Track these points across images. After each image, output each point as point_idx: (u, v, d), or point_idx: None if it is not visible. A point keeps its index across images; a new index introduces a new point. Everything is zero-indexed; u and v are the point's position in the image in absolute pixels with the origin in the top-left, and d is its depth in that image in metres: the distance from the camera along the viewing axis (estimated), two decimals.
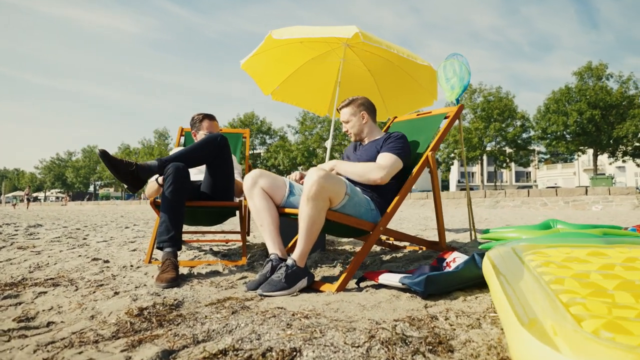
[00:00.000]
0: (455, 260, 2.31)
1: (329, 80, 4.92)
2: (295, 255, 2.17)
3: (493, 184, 54.61)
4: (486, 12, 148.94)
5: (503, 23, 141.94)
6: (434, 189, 2.78)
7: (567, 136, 36.74)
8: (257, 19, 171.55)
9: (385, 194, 2.57)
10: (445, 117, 2.96)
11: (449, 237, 4.40)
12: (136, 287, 2.14)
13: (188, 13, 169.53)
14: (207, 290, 2.13)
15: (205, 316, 1.66)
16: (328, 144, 4.14)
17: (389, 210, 2.44)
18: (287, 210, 2.45)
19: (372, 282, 2.25)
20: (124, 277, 2.40)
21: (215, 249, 3.67)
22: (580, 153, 37.94)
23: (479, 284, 2.07)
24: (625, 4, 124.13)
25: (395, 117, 3.39)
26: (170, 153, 3.09)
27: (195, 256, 3.20)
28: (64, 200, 59.98)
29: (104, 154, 2.39)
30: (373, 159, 2.63)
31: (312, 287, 2.20)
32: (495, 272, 1.71)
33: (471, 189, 55.72)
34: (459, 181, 67.07)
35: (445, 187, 67.32)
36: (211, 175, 2.84)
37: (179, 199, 2.51)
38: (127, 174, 2.46)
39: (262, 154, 53.71)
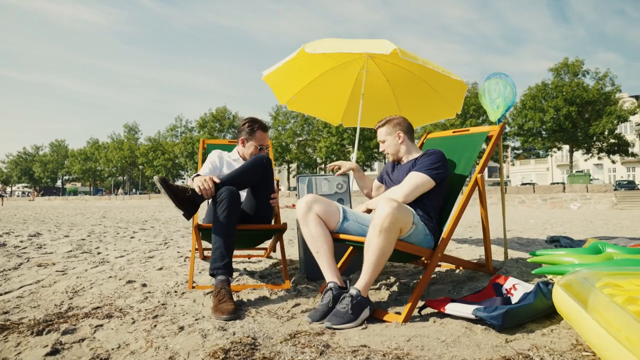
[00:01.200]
0: (515, 287, 2.31)
1: (344, 90, 4.89)
2: (360, 285, 2.15)
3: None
4: (458, 5, 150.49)
5: (475, 16, 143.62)
6: (482, 210, 2.78)
7: (544, 132, 37.48)
8: (228, 12, 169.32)
9: (435, 216, 2.56)
10: (488, 137, 2.96)
11: (471, 251, 4.42)
12: (196, 320, 2.08)
13: (157, 5, 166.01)
14: (269, 322, 2.08)
15: (292, 357, 1.62)
16: (353, 157, 4.10)
17: (444, 235, 2.43)
18: (341, 236, 2.41)
19: (431, 309, 2.24)
20: (174, 305, 2.33)
21: (242, 266, 3.61)
22: (555, 149, 38.72)
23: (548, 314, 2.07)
24: None
25: (428, 133, 3.37)
26: (202, 169, 3.01)
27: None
28: (31, 196, 58.50)
29: (163, 181, 2.32)
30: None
31: (374, 316, 2.17)
32: (583, 307, 1.71)
33: None
34: None
35: None
36: (254, 196, 2.78)
37: (233, 224, 2.45)
38: (184, 200, 2.39)
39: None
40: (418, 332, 1.93)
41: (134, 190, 62.68)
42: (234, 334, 1.89)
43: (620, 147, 37.15)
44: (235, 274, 3.21)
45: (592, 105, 35.83)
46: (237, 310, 2.15)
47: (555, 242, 4.88)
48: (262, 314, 2.22)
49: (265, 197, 2.83)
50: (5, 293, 2.60)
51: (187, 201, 2.46)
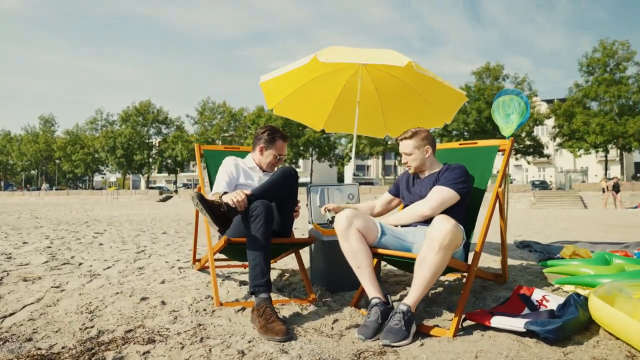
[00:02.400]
0: (546, 299, 2.42)
1: (331, 97, 4.88)
2: (410, 301, 2.17)
3: (390, 177, 57.24)
4: (380, 5, 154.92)
5: (396, 16, 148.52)
6: (501, 222, 2.89)
7: (466, 134, 39.42)
8: (147, 0, 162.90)
9: (463, 230, 2.63)
10: (500, 150, 3.07)
11: None
12: (249, 342, 2.01)
13: None
14: (324, 341, 2.06)
15: None
16: (350, 168, 4.11)
17: (477, 249, 2.51)
18: (381, 251, 2.42)
19: (471, 322, 2.30)
20: (213, 326, 2.24)
21: (242, 277, 3.51)
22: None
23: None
24: (509, 4, 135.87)
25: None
26: (219, 181, 2.87)
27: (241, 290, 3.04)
28: None
29: (201, 198, 2.21)
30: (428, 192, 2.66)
31: (419, 330, 2.19)
32: (632, 318, 1.84)
33: (370, 183, 58.09)
34: (354, 174, 69.25)
35: (340, 180, 69.16)
36: (279, 209, 2.72)
37: (269, 239, 2.38)
38: (220, 216, 2.29)
39: (158, 144, 51.81)
40: (476, 347, 1.98)
41: (48, 185, 58.68)
42: (300, 357, 1.85)
43: (536, 149, 39.98)
44: (243, 287, 3.12)
45: None
46: (290, 331, 2.09)
47: (527, 247, 5.17)
48: (310, 332, 2.18)
49: (290, 210, 2.78)
50: (11, 315, 2.37)
51: (222, 217, 2.36)
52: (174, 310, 2.47)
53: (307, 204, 3.26)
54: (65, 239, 5.66)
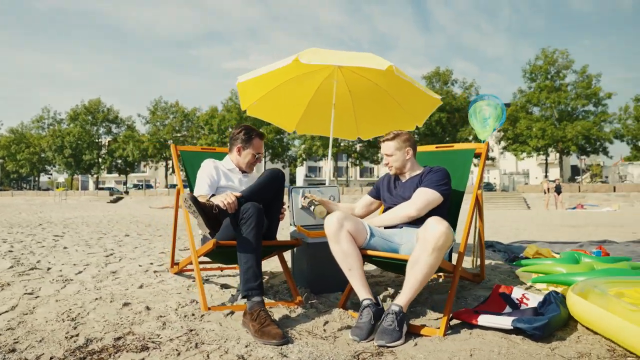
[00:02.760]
0: (526, 297, 2.53)
1: (304, 98, 4.87)
2: (402, 301, 2.21)
3: (343, 179, 57.90)
4: (332, 8, 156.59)
5: (347, 20, 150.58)
6: (480, 224, 2.99)
7: (416, 136, 40.42)
8: None
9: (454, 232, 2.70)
10: (476, 154, 3.17)
11: None
12: (246, 347, 2.00)
13: None
14: (320, 344, 2.07)
15: None
16: (329, 168, 4.12)
17: (461, 249, 2.59)
18: (369, 252, 2.45)
19: (457, 321, 2.37)
20: (205, 331, 2.19)
21: (222, 280, 3.47)
22: None
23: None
24: (456, 11, 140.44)
25: None
26: (201, 184, 2.82)
27: (227, 294, 3.00)
28: None
29: (195, 200, 2.16)
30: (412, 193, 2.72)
31: (410, 330, 2.23)
32: (613, 314, 1.96)
33: (322, 184, 58.16)
34: (306, 175, 69.48)
35: (292, 181, 69.23)
36: (266, 211, 2.69)
37: (260, 241, 2.37)
38: (212, 219, 2.25)
39: (108, 144, 50.13)
40: (467, 345, 2.05)
41: None
42: None
43: None
44: (226, 290, 3.08)
45: (459, 112, 39.48)
46: (286, 334, 2.09)
47: (490, 246, 5.36)
48: (304, 335, 2.18)
49: (276, 212, 2.77)
50: None
51: (214, 219, 2.33)
52: (161, 316, 2.40)
53: (287, 206, 3.26)
54: (25, 243, 5.38)
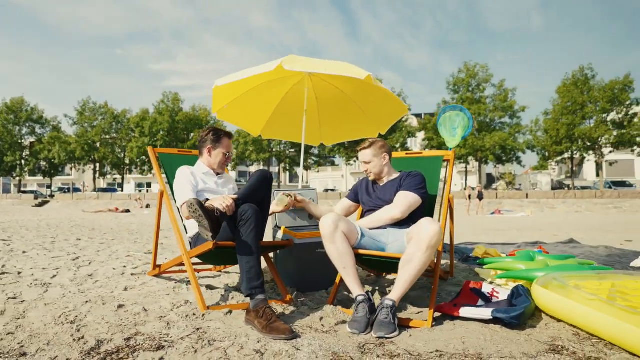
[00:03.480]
0: (496, 291, 2.79)
1: (271, 104, 4.96)
2: (396, 296, 2.39)
3: (275, 184, 58.05)
4: (263, 13, 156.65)
5: (278, 26, 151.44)
6: (451, 225, 3.23)
7: (346, 143, 41.20)
8: None
9: None
10: (444, 160, 3.43)
11: None
12: (259, 342, 2.09)
13: None
14: (324, 337, 2.20)
15: None
16: (300, 170, 4.25)
17: (440, 249, 2.81)
18: (360, 251, 2.61)
19: (438, 314, 2.59)
20: (211, 328, 2.26)
21: (205, 282, 3.50)
22: (355, 159, 42.48)
23: None
24: (382, 22, 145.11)
25: None
26: (184, 190, 2.86)
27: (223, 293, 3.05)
28: None
29: (200, 204, 2.23)
30: (394, 196, 2.92)
31: (400, 323, 2.41)
32: (577, 302, 2.26)
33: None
34: (236, 180, 68.91)
35: None
36: None
37: (259, 242, 2.46)
38: (214, 222, 2.32)
39: (32, 145, 47.10)
40: (455, 334, 2.26)
41: None
42: (315, 352, 1.97)
43: None
44: (213, 291, 3.12)
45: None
46: (292, 329, 2.20)
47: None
48: (306, 330, 2.30)
49: (266, 212, 2.86)
50: None
51: (216, 222, 2.39)
52: (162, 316, 2.43)
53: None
54: None
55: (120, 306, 2.60)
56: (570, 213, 23.88)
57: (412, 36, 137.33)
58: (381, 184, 3.07)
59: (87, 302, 2.68)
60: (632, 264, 4.06)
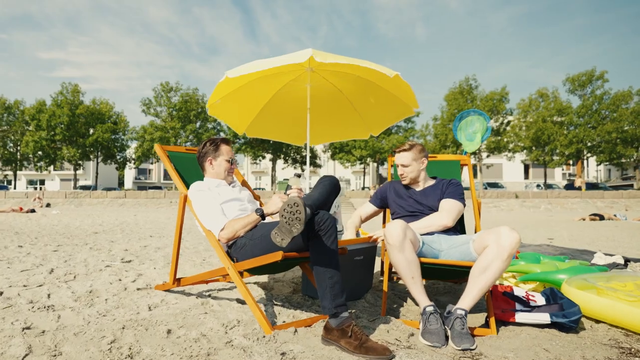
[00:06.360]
0: (530, 294, 2.82)
1: (260, 101, 4.66)
2: (467, 305, 2.32)
3: (169, 182, 55.92)
4: (162, 6, 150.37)
5: (177, 20, 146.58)
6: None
7: (253, 142, 40.99)
8: None
9: None
10: (462, 165, 3.43)
11: None
12: None
13: None
14: (416, 354, 2.05)
15: None
16: (307, 172, 4.00)
17: None
18: (422, 259, 2.48)
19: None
20: (295, 352, 2.00)
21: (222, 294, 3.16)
22: (261, 158, 42.48)
23: None
24: (280, 23, 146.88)
25: (393, 155, 3.57)
26: (213, 209, 2.55)
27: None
28: None
29: (305, 204, 1.99)
30: (438, 202, 2.87)
31: None
32: (618, 301, 2.35)
33: (158, 187, 55.15)
34: (135, 178, 66.50)
35: (121, 184, 66.07)
36: None
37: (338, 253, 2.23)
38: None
39: None
40: (524, 340, 2.22)
41: None
42: None
43: (311, 160, 44.17)
44: (245, 305, 2.81)
45: None
46: (389, 348, 2.01)
47: None
48: (392, 345, 2.12)
49: None
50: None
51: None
52: (228, 342, 2.10)
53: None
54: None
55: (169, 331, 2.21)
56: None
57: (307, 39, 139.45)
58: (417, 189, 2.97)
59: (123, 327, 2.24)
60: (592, 262, 4.36)
